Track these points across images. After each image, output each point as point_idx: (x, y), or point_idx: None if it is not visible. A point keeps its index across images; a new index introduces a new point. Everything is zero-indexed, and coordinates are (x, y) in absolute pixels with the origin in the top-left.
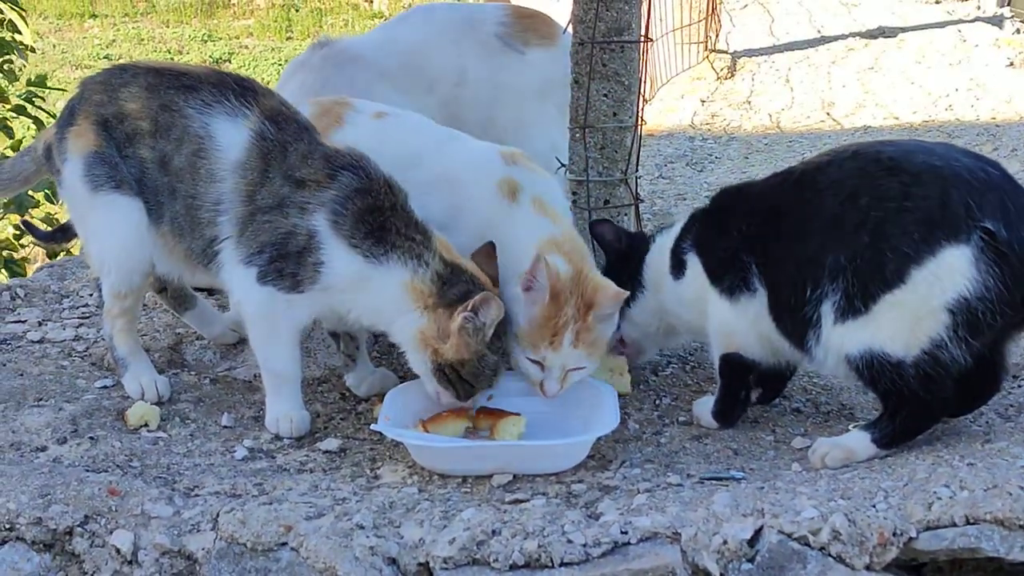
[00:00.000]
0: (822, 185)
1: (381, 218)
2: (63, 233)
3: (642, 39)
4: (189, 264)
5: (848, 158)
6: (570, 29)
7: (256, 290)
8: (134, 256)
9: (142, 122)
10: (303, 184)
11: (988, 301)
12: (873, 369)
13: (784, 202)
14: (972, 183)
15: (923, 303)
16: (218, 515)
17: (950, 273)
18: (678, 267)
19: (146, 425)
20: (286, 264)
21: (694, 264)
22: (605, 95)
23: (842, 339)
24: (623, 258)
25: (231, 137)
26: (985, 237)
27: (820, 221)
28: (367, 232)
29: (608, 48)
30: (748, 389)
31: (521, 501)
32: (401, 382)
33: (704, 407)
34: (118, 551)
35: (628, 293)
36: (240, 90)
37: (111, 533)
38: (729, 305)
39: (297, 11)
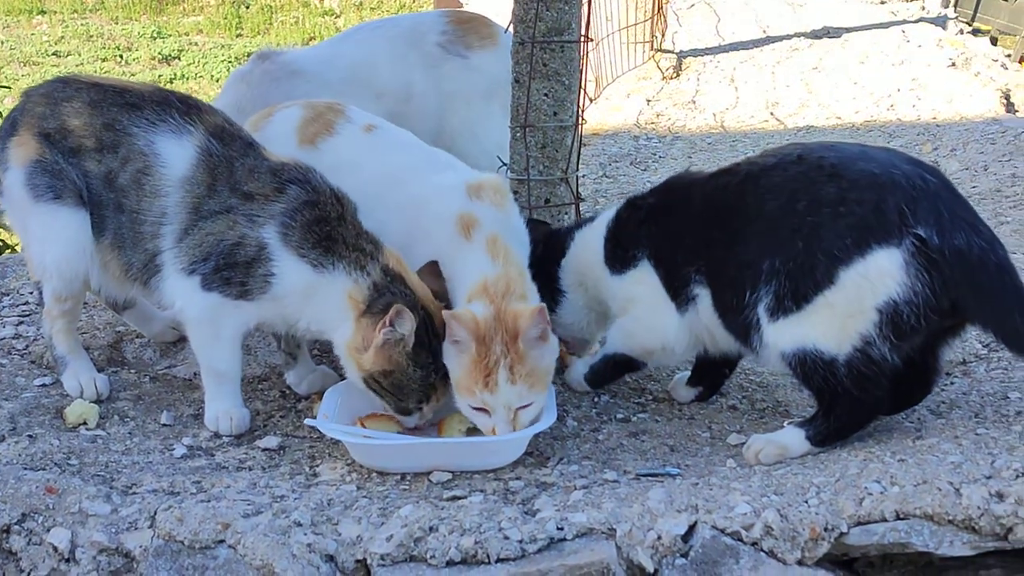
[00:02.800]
0: (765, 188)
1: (328, 228)
2: None
3: (582, 39)
4: (125, 281)
5: (793, 162)
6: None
7: (200, 296)
8: (75, 265)
9: (86, 139)
10: (251, 197)
11: (915, 305)
12: (806, 366)
13: (729, 204)
14: (908, 190)
15: (853, 304)
16: (156, 513)
17: (880, 276)
18: (622, 262)
19: (85, 423)
20: (233, 273)
21: (646, 268)
22: (546, 94)
23: (776, 336)
24: (540, 263)
25: (176, 154)
26: (917, 243)
27: (760, 225)
28: (315, 242)
29: (548, 48)
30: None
31: (459, 498)
32: (341, 380)
33: (577, 373)
34: (55, 549)
35: (543, 306)
36: (184, 108)
37: (48, 531)
38: (679, 319)
39: (247, 8)
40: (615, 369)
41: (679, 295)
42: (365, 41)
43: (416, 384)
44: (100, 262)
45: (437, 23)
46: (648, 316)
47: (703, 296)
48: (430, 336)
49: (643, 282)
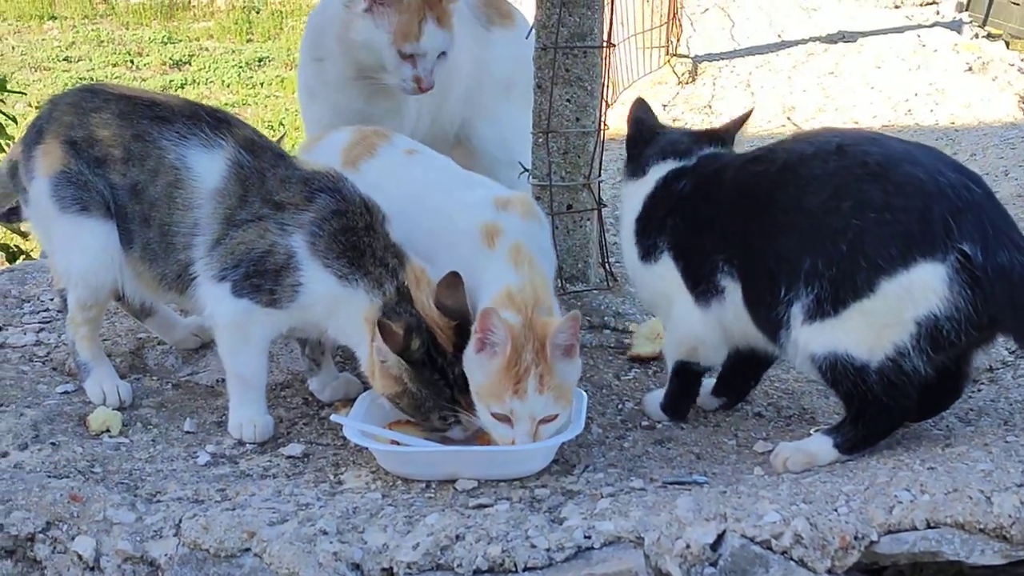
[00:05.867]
0: (804, 180)
1: (355, 238)
2: (16, 214)
3: (604, 44)
4: (159, 290)
5: (833, 153)
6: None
7: (231, 301)
8: (101, 275)
9: (114, 149)
10: (282, 207)
11: (956, 321)
12: (836, 371)
13: (765, 193)
14: (954, 201)
15: (892, 314)
16: (181, 521)
17: (923, 290)
18: (649, 252)
19: (108, 430)
20: (263, 280)
21: (667, 262)
22: (568, 100)
23: (808, 338)
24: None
25: (208, 167)
26: (961, 260)
27: (799, 218)
28: (340, 252)
29: (571, 53)
30: (698, 387)
31: (485, 506)
32: (365, 387)
33: (654, 401)
34: (80, 557)
35: (577, 313)
36: (214, 122)
37: (73, 539)
38: (701, 313)
39: (258, 13)
40: (680, 381)
41: (704, 285)
42: None
43: (431, 403)
44: (132, 272)
45: None
46: (677, 312)
47: (732, 288)
48: (435, 355)
49: (666, 277)
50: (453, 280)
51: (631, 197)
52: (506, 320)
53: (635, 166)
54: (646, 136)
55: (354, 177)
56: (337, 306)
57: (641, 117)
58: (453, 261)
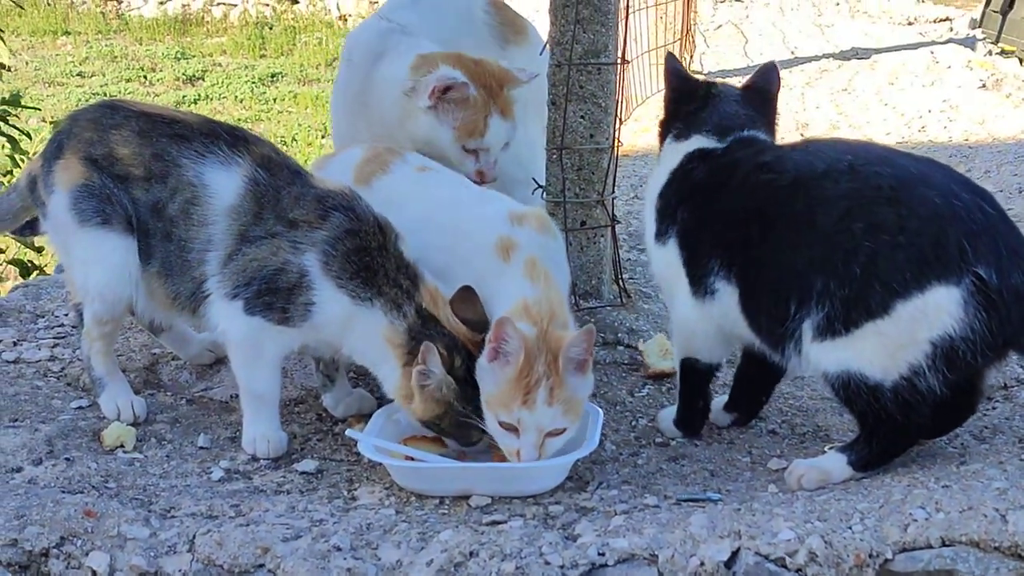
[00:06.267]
0: (816, 199)
1: (368, 258)
2: (32, 228)
3: (618, 61)
4: (172, 309)
5: (845, 173)
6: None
7: (243, 319)
8: (119, 289)
9: (134, 168)
10: (295, 224)
11: (971, 342)
12: (849, 389)
13: (773, 207)
14: (968, 223)
15: (907, 335)
16: (195, 537)
17: (938, 312)
18: (661, 233)
19: (122, 446)
20: (275, 299)
21: (674, 249)
22: (582, 117)
23: (820, 356)
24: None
25: (224, 184)
26: (976, 282)
27: (811, 237)
28: (354, 272)
29: (585, 70)
30: (706, 397)
31: (499, 522)
32: (379, 403)
33: (667, 418)
34: (94, 573)
35: (591, 328)
36: (232, 139)
37: (87, 555)
38: (695, 305)
39: (270, 29)
40: (686, 382)
41: (698, 284)
42: (429, 8)
43: (473, 418)
44: (146, 290)
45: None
46: (678, 300)
47: (725, 291)
48: (473, 370)
49: (672, 264)
50: (467, 294)
51: (664, 161)
52: (520, 330)
53: (681, 126)
54: (691, 91)
55: (367, 194)
56: (352, 326)
57: (678, 68)
58: (468, 276)
